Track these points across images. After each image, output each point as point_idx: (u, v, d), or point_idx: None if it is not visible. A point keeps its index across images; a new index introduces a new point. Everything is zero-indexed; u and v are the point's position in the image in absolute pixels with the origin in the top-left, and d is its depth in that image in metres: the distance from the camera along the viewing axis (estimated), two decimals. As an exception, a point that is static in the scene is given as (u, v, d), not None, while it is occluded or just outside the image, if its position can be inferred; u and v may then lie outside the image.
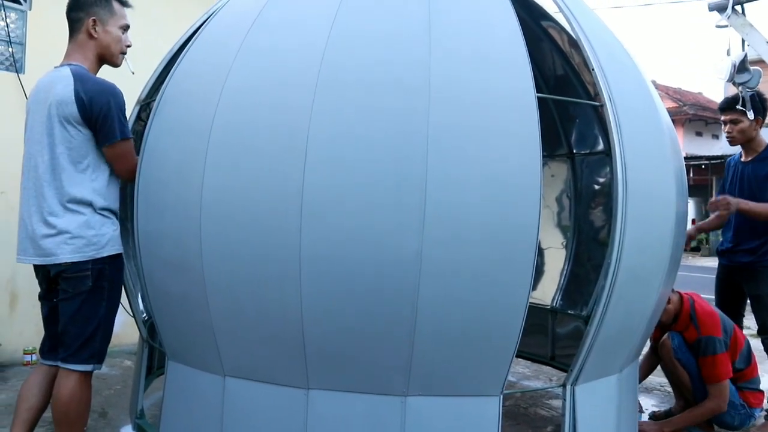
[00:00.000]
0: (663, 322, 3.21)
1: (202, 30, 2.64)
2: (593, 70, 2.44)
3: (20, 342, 4.22)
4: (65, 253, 2.27)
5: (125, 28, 2.53)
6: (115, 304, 2.44)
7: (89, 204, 2.32)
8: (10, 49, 4.17)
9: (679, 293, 3.31)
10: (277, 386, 2.31)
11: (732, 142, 3.59)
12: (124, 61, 2.57)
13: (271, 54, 2.28)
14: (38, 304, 2.51)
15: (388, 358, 2.16)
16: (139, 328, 2.96)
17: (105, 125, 2.30)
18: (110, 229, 2.39)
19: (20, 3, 4.23)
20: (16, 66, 4.18)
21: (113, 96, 2.33)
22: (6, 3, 4.12)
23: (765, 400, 3.38)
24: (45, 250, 2.29)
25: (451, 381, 2.23)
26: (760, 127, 3.52)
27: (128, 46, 2.56)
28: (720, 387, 3.10)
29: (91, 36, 2.43)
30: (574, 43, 2.77)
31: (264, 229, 2.13)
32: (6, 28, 4.15)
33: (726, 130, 3.59)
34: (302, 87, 2.13)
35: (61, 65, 2.41)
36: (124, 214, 2.89)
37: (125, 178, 2.50)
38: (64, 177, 2.29)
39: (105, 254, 2.34)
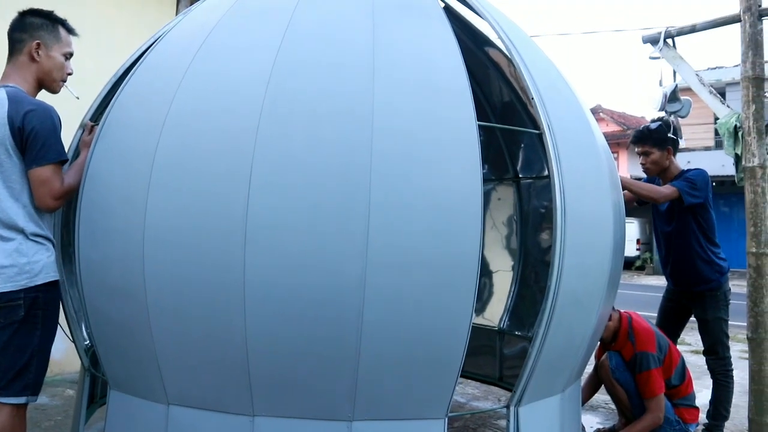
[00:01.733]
0: (603, 339, 3.32)
1: (147, 54, 2.63)
2: (533, 99, 2.53)
3: None
4: None
5: (69, 55, 2.49)
6: (51, 332, 2.36)
7: (21, 230, 2.25)
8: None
9: (619, 312, 3.43)
10: (222, 414, 2.28)
11: (648, 173, 3.68)
12: (64, 87, 2.52)
13: (217, 79, 2.30)
14: None
15: (333, 383, 2.17)
16: (80, 356, 2.88)
17: (35, 146, 2.23)
18: (44, 255, 2.31)
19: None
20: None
21: (47, 118, 2.26)
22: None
23: (700, 416, 3.51)
24: None
25: (397, 405, 2.25)
26: (673, 156, 3.60)
27: (69, 74, 2.52)
28: (656, 401, 3.21)
29: (33, 59, 2.38)
30: (518, 74, 2.86)
31: (207, 253, 2.13)
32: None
33: (640, 161, 3.66)
34: (247, 113, 2.15)
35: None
36: (67, 239, 2.83)
37: (47, 207, 2.31)
38: None
39: (39, 282, 2.27)
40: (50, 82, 2.45)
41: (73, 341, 2.91)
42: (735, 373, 3.51)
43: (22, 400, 2.26)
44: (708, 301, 3.53)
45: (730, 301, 3.56)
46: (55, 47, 2.42)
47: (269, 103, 2.15)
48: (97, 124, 2.58)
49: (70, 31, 2.51)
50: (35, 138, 2.23)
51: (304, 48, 2.29)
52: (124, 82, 2.59)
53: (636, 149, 3.67)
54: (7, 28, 2.42)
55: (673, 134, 3.56)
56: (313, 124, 2.14)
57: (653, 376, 3.21)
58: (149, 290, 2.21)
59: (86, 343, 2.97)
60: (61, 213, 2.77)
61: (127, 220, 2.27)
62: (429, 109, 2.22)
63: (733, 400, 3.49)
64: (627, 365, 3.34)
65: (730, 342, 3.59)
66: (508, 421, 2.48)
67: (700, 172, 3.51)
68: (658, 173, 3.64)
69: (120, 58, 3.01)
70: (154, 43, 2.71)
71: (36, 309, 2.27)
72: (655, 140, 3.50)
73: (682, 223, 3.52)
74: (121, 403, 2.53)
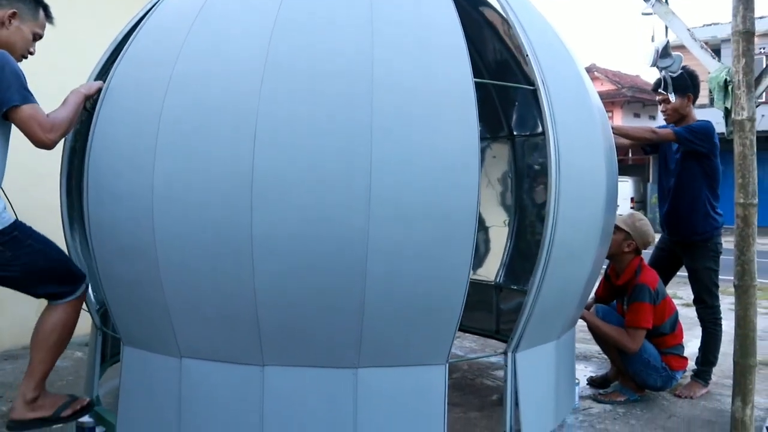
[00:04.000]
0: (609, 256, 3.40)
1: (147, 18, 2.66)
2: (527, 55, 2.58)
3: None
4: None
5: (38, 36, 2.51)
6: (41, 241, 2.43)
7: None
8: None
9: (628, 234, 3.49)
10: (233, 364, 2.39)
11: (667, 119, 3.78)
12: None
13: (219, 39, 2.34)
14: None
15: (339, 331, 2.28)
16: (92, 316, 2.97)
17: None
18: None
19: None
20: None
21: (2, 62, 2.23)
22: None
23: (689, 364, 3.65)
24: None
25: (400, 352, 2.37)
26: (693, 104, 3.72)
27: (31, 53, 2.52)
28: (636, 332, 3.32)
29: (2, 24, 2.38)
30: (511, 31, 2.91)
31: (215, 209, 2.21)
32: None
33: (661, 109, 3.79)
34: (250, 72, 2.21)
35: None
36: (73, 203, 2.90)
37: (43, 142, 2.30)
38: None
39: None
40: (10, 53, 2.37)
41: (86, 303, 3.00)
42: (724, 323, 3.64)
43: (73, 295, 2.47)
44: (699, 251, 3.65)
45: (721, 254, 3.68)
46: (28, 22, 2.44)
47: (271, 62, 2.21)
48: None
49: (49, 17, 2.53)
50: None
51: (303, 7, 2.33)
52: (125, 47, 2.62)
53: (657, 97, 3.78)
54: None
55: (692, 83, 3.66)
56: (315, 82, 2.20)
57: (644, 308, 3.31)
58: (159, 248, 2.30)
59: (96, 306, 3.06)
60: (65, 176, 2.83)
61: (136, 181, 2.33)
62: (427, 66, 2.28)
63: (722, 349, 3.63)
64: (623, 297, 3.47)
65: (720, 295, 3.71)
66: (506, 366, 2.60)
67: (704, 123, 3.61)
68: (676, 121, 3.73)
69: (119, 25, 3.03)
70: (153, 6, 2.74)
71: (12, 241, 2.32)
72: (675, 87, 3.59)
73: (689, 174, 3.63)
74: (135, 358, 2.63)
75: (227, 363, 2.40)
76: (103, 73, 2.81)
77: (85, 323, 3.06)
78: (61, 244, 2.69)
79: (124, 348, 2.68)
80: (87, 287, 2.59)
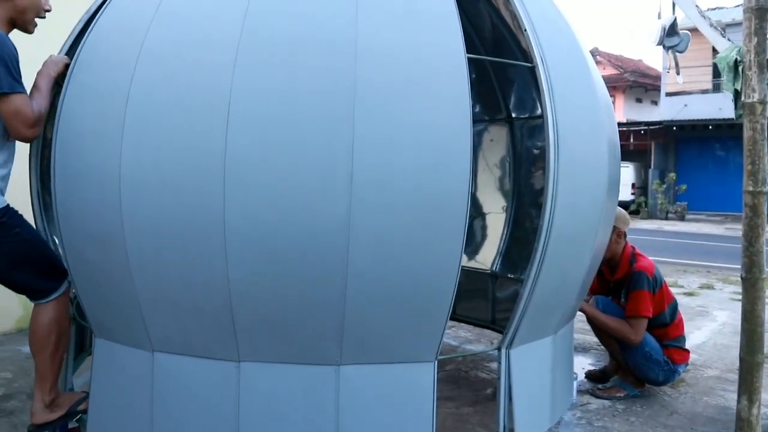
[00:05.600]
0: (606, 260, 3.26)
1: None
2: (525, 31, 2.41)
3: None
4: None
5: None
6: (30, 231, 2.35)
7: None
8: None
9: (623, 235, 3.35)
10: (207, 360, 2.25)
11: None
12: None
13: (192, 12, 2.18)
14: None
15: (319, 326, 2.12)
16: (65, 305, 2.82)
17: None
18: None
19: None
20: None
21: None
22: None
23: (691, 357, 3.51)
24: None
25: (385, 348, 2.21)
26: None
27: (48, 11, 2.38)
28: (638, 321, 3.18)
29: None
30: (509, 4, 2.73)
31: (186, 194, 2.05)
32: None
33: None
34: (224, 44, 2.05)
35: None
36: (42, 188, 2.73)
37: (23, 136, 2.27)
38: None
39: None
40: (24, 22, 2.33)
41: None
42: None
43: (56, 293, 2.37)
44: None
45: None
46: None
47: (247, 34, 2.03)
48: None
49: None
50: None
51: (282, -26, 2.15)
52: (93, 23, 2.45)
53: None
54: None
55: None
56: (293, 54, 2.03)
57: (643, 296, 3.18)
58: (128, 234, 2.14)
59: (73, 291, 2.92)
60: (36, 158, 2.67)
61: (103, 162, 2.18)
62: (416, 37, 2.11)
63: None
64: (616, 305, 3.32)
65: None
66: (500, 363, 2.46)
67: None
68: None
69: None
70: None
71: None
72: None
73: None
74: (106, 351, 2.48)
75: (201, 358, 2.26)
76: (74, 45, 2.64)
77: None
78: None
79: (96, 340, 2.54)
80: (69, 285, 2.47)
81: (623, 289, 3.33)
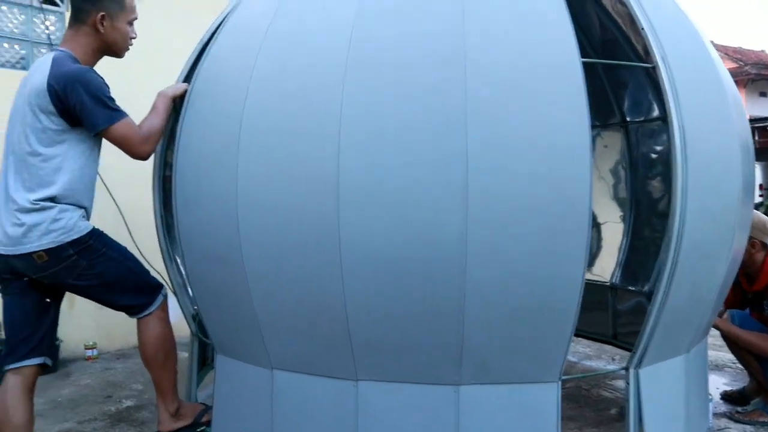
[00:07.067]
0: (747, 271, 3.00)
1: (227, 21, 2.58)
2: (643, 29, 2.26)
3: (80, 337, 4.29)
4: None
5: (134, 20, 2.47)
6: (117, 249, 2.42)
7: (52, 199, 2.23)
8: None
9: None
10: (325, 378, 2.25)
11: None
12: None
13: (299, 35, 2.21)
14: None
15: (436, 345, 2.07)
16: (188, 322, 2.96)
17: (84, 116, 2.22)
18: (73, 215, 2.28)
19: (57, 5, 4.27)
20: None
21: (83, 83, 2.20)
22: (45, 6, 4.17)
23: None
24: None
25: (506, 367, 2.12)
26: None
27: (133, 38, 2.49)
28: None
29: (97, 30, 2.36)
30: (622, 3, 2.58)
31: (300, 215, 2.07)
32: (46, 31, 4.20)
33: None
34: (332, 66, 2.05)
35: (52, 50, 2.35)
36: (167, 207, 2.87)
37: (138, 154, 2.38)
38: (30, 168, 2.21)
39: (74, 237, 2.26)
40: (115, 51, 2.45)
41: (181, 308, 3.00)
42: None
43: (152, 307, 2.48)
44: None
45: None
46: (120, 17, 2.39)
47: (354, 55, 2.03)
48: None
49: None
50: (83, 106, 2.20)
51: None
52: (207, 50, 2.56)
53: None
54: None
55: None
56: (401, 71, 2.00)
57: None
58: (246, 255, 2.19)
59: (193, 309, 3.05)
60: (159, 180, 2.80)
61: (220, 185, 2.24)
62: (526, 46, 2.02)
63: None
64: (756, 320, 3.02)
65: None
66: (628, 383, 2.29)
67: None
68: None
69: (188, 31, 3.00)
70: (232, 9, 2.66)
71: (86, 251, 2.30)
72: None
73: None
74: (227, 368, 2.56)
75: (320, 377, 2.27)
76: (191, 73, 2.77)
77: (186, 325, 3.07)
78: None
79: (217, 356, 2.62)
80: (165, 298, 2.56)
81: (765, 300, 3.03)
